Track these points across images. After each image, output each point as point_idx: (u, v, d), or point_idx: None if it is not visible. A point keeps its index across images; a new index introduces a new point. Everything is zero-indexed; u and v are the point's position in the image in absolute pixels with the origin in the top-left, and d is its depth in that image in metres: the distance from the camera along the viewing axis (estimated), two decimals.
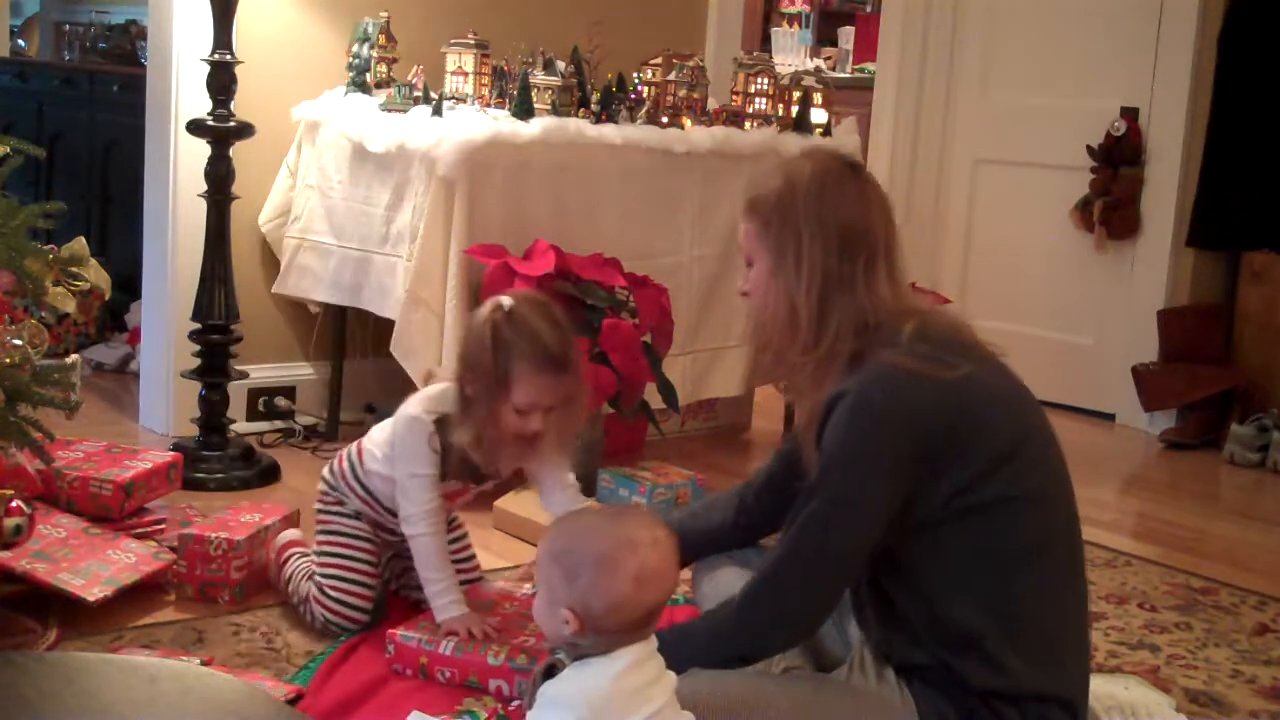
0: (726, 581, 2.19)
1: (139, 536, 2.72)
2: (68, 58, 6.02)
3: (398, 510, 2.41)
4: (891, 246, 1.93)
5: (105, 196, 4.84)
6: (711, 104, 3.82)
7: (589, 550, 1.70)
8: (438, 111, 3.29)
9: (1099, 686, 2.18)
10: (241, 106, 3.28)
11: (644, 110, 3.56)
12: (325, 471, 2.56)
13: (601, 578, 1.68)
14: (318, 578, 2.47)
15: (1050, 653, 1.86)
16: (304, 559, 2.57)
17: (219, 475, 3.24)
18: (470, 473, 2.43)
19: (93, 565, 2.46)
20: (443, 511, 2.42)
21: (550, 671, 1.72)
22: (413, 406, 2.39)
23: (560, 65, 3.45)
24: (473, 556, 2.63)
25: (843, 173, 1.94)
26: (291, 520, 2.75)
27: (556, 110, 3.39)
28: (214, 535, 2.56)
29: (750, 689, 1.87)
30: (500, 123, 3.26)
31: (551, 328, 2.30)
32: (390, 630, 2.32)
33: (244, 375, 3.39)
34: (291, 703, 2.13)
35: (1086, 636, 1.96)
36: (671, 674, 1.76)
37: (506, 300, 2.33)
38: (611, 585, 1.68)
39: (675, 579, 1.77)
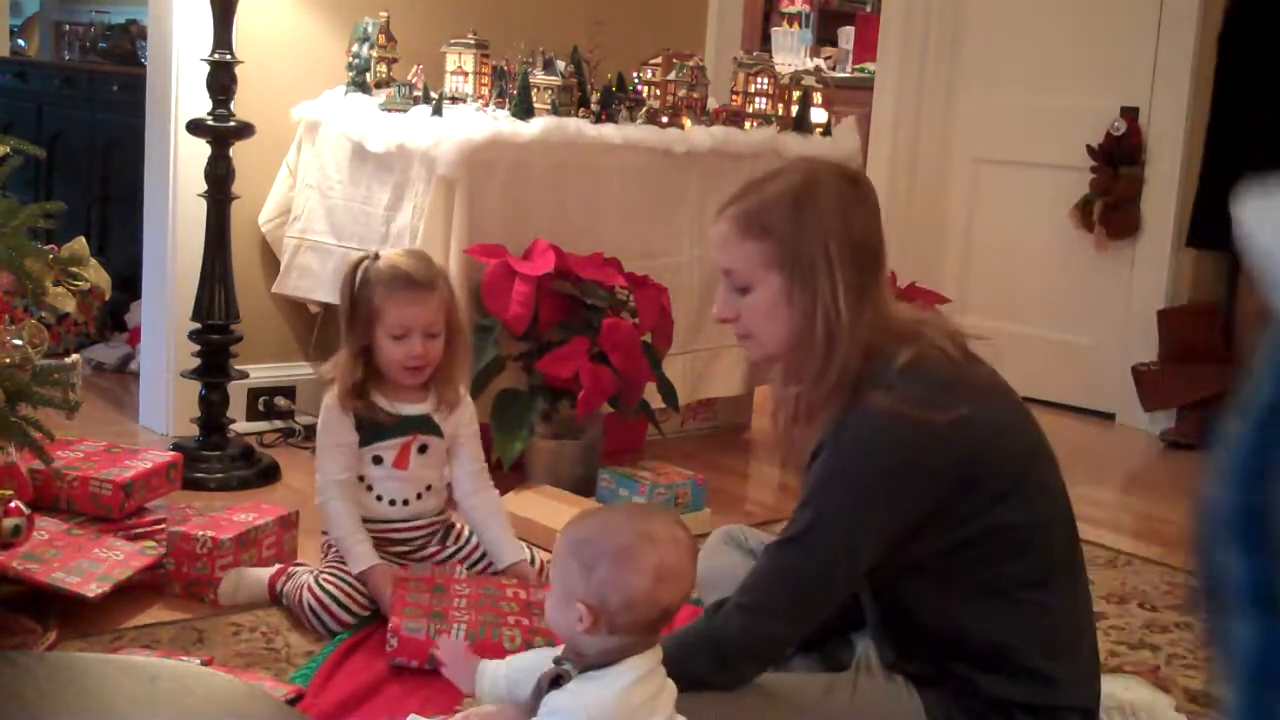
0: (729, 564, 2.20)
1: (138, 537, 2.72)
2: (68, 58, 6.01)
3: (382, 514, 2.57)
4: (885, 259, 1.89)
5: (105, 196, 4.83)
6: (711, 104, 3.82)
7: (608, 543, 1.68)
8: (438, 111, 3.29)
9: None
10: (241, 106, 3.28)
11: (644, 110, 3.57)
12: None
13: (619, 571, 1.66)
14: (320, 573, 2.50)
15: (1064, 663, 1.86)
16: (303, 570, 2.59)
17: (219, 475, 3.24)
18: (404, 421, 2.54)
19: (84, 564, 2.46)
20: (353, 483, 2.53)
21: (556, 681, 1.70)
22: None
23: (560, 65, 3.45)
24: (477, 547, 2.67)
25: (854, 184, 1.87)
26: (289, 522, 2.74)
27: (556, 110, 3.38)
28: (200, 533, 2.55)
29: (749, 700, 1.85)
30: (500, 123, 3.26)
31: (410, 260, 2.53)
32: (393, 622, 2.29)
33: (244, 375, 3.39)
34: (291, 703, 2.13)
35: (1095, 647, 1.96)
36: (673, 685, 1.75)
37: (373, 250, 2.57)
38: (628, 579, 1.65)
39: (693, 581, 1.75)
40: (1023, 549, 1.83)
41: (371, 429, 2.54)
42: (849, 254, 1.81)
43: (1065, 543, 1.90)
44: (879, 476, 1.77)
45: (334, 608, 2.44)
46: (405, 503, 2.59)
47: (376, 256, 2.53)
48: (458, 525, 2.69)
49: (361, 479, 2.56)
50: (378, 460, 2.55)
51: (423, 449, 2.58)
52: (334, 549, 2.56)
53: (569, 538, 1.72)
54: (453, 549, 2.64)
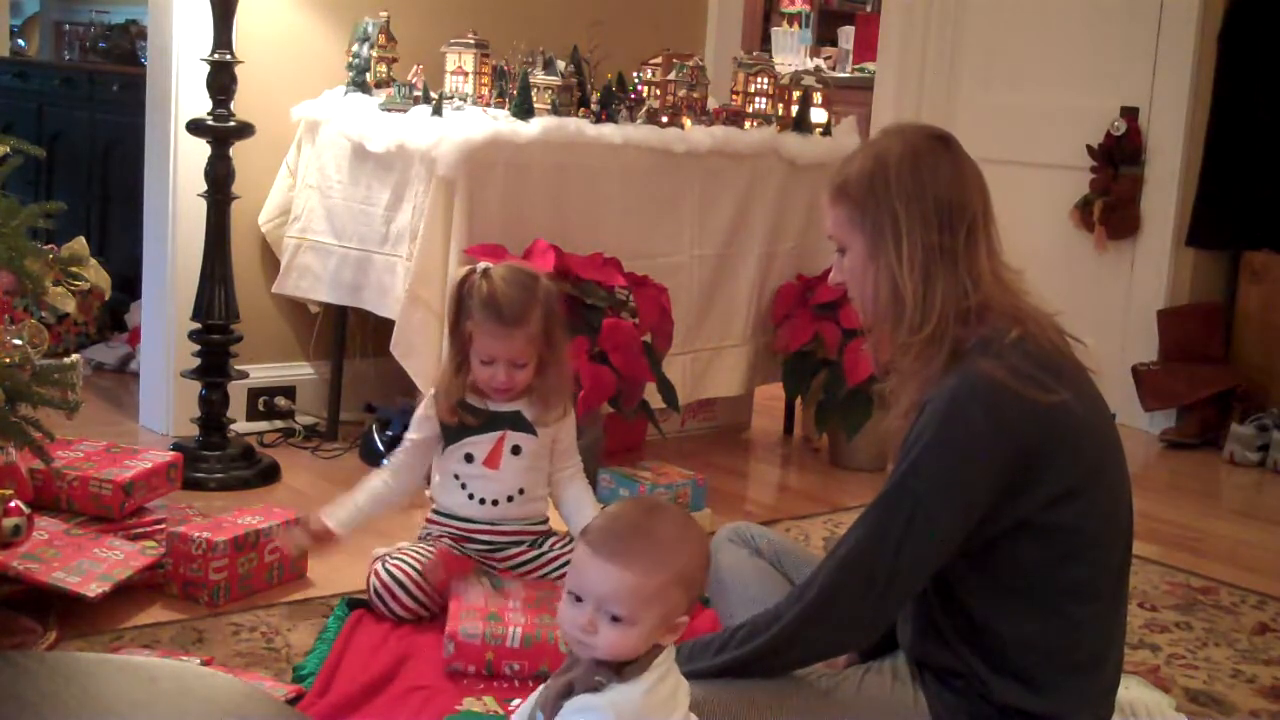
0: (735, 561, 2.20)
1: (138, 537, 2.72)
2: (68, 58, 6.02)
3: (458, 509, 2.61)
4: (989, 218, 1.88)
5: (105, 196, 4.84)
6: (711, 104, 3.82)
7: (701, 557, 1.70)
8: (438, 111, 3.29)
9: None
10: (241, 106, 3.28)
11: (644, 110, 3.57)
12: None
13: (704, 573, 1.72)
14: (390, 556, 2.53)
15: (1082, 680, 1.85)
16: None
17: (219, 475, 3.24)
18: (495, 417, 2.57)
19: (84, 563, 2.46)
20: (408, 470, 2.62)
21: (567, 692, 1.68)
22: None
23: (560, 65, 3.45)
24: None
25: (934, 145, 1.87)
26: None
27: (556, 110, 3.39)
28: (196, 535, 2.55)
29: (755, 694, 1.86)
30: (500, 123, 3.26)
31: (508, 286, 2.51)
32: (450, 629, 2.30)
33: (244, 375, 3.39)
34: (291, 703, 2.13)
35: (1118, 672, 1.94)
36: (686, 683, 1.74)
37: (483, 265, 2.58)
38: (706, 576, 1.74)
39: None
40: (1075, 557, 1.81)
41: (463, 427, 2.57)
42: (919, 214, 1.82)
43: (1117, 565, 1.89)
44: (969, 440, 1.75)
45: (399, 593, 2.47)
46: (495, 503, 2.59)
47: (485, 272, 2.54)
48: (558, 535, 2.68)
49: (456, 477, 2.59)
50: (469, 458, 2.57)
51: (516, 450, 2.58)
52: (426, 533, 2.61)
53: (670, 570, 1.64)
54: (534, 554, 2.62)
